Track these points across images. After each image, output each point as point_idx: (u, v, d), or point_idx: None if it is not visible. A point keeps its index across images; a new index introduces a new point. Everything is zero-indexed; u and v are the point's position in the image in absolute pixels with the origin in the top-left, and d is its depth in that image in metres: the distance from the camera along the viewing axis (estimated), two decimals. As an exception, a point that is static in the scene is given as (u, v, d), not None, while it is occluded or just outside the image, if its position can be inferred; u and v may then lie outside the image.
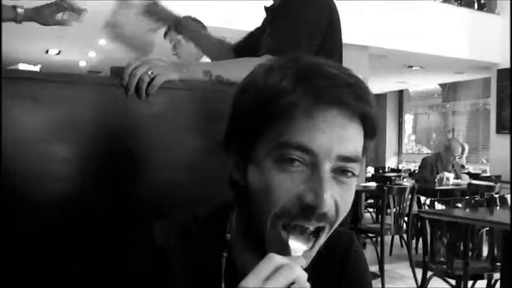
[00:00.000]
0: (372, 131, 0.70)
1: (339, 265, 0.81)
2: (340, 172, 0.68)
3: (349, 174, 0.68)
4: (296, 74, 0.67)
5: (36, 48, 7.62)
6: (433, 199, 2.93)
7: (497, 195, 3.31)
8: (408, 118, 12.20)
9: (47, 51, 7.91)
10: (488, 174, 7.48)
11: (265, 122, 0.67)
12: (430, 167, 5.75)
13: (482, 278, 2.99)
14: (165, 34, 2.79)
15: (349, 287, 0.81)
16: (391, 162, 11.51)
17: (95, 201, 1.09)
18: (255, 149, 0.69)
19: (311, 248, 0.69)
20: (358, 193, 4.61)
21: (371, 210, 6.77)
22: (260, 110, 0.68)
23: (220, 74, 1.24)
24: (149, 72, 1.12)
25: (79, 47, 7.56)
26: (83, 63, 8.84)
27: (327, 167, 0.66)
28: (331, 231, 0.70)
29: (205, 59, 2.48)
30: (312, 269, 0.79)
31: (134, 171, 1.14)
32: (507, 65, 7.60)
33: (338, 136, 0.66)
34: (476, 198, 3.12)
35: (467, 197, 3.13)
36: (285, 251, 0.67)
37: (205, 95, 1.25)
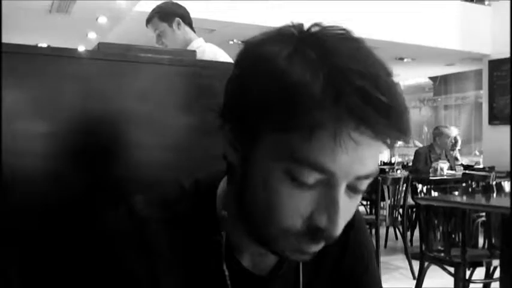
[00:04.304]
0: (393, 145, 0.59)
1: (342, 237, 0.75)
2: (353, 189, 0.60)
3: (361, 190, 0.61)
4: (328, 76, 0.54)
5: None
6: (429, 187, 2.90)
7: (493, 183, 3.28)
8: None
9: (35, 47, 7.82)
10: (481, 165, 7.47)
11: (283, 122, 0.56)
12: (423, 158, 5.72)
13: (480, 265, 2.96)
14: (148, 21, 2.53)
15: (352, 258, 0.77)
16: (383, 156, 11.50)
17: (76, 181, 1.03)
18: (261, 143, 0.58)
19: None
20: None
21: (365, 203, 6.73)
22: (280, 105, 0.55)
23: None
24: None
25: (68, 41, 7.46)
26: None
27: (343, 187, 0.58)
28: None
29: (193, 46, 2.39)
30: None
31: (119, 150, 1.08)
32: (498, 56, 7.61)
33: (360, 156, 0.56)
34: (473, 186, 3.09)
35: (464, 184, 3.09)
36: (300, 252, 0.62)
37: (196, 71, 1.19)
